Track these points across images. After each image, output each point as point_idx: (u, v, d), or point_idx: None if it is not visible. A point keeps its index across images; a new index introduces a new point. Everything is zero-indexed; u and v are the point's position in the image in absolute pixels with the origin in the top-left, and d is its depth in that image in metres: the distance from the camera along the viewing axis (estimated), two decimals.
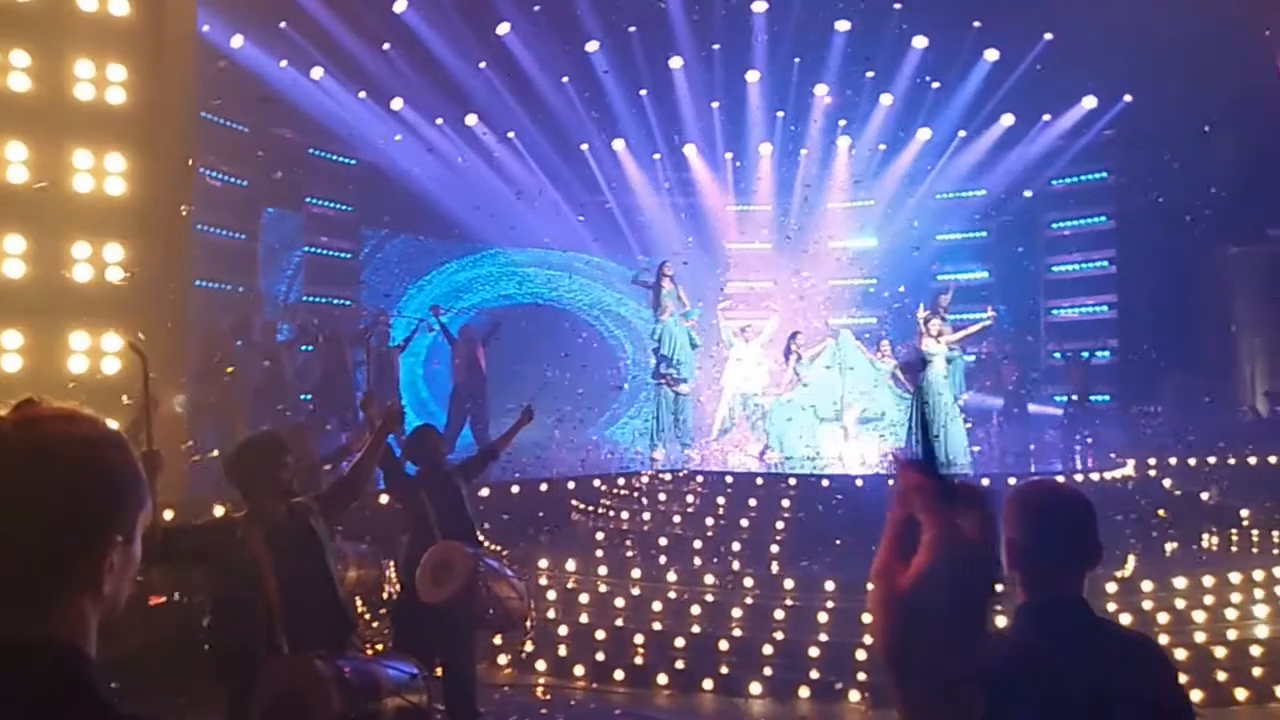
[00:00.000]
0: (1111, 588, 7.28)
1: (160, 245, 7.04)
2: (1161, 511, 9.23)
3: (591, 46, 13.95)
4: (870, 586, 0.99)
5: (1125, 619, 6.65)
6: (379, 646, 6.07)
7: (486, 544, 6.75)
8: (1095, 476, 9.42)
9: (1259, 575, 7.66)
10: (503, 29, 13.52)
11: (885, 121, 14.62)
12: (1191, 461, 10.81)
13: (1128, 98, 13.45)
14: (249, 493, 3.86)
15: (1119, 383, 13.94)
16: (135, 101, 6.81)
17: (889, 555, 0.98)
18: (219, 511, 6.11)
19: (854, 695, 6.56)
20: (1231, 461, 10.74)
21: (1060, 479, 9.02)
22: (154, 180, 6.90)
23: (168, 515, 5.42)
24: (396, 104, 13.78)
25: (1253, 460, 10.78)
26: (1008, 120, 14.21)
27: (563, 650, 7.25)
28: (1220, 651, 6.85)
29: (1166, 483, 10.16)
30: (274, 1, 12.12)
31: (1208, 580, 7.48)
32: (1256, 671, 6.77)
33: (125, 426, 5.88)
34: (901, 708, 0.99)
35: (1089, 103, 13.75)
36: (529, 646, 7.24)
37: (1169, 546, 8.74)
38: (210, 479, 7.68)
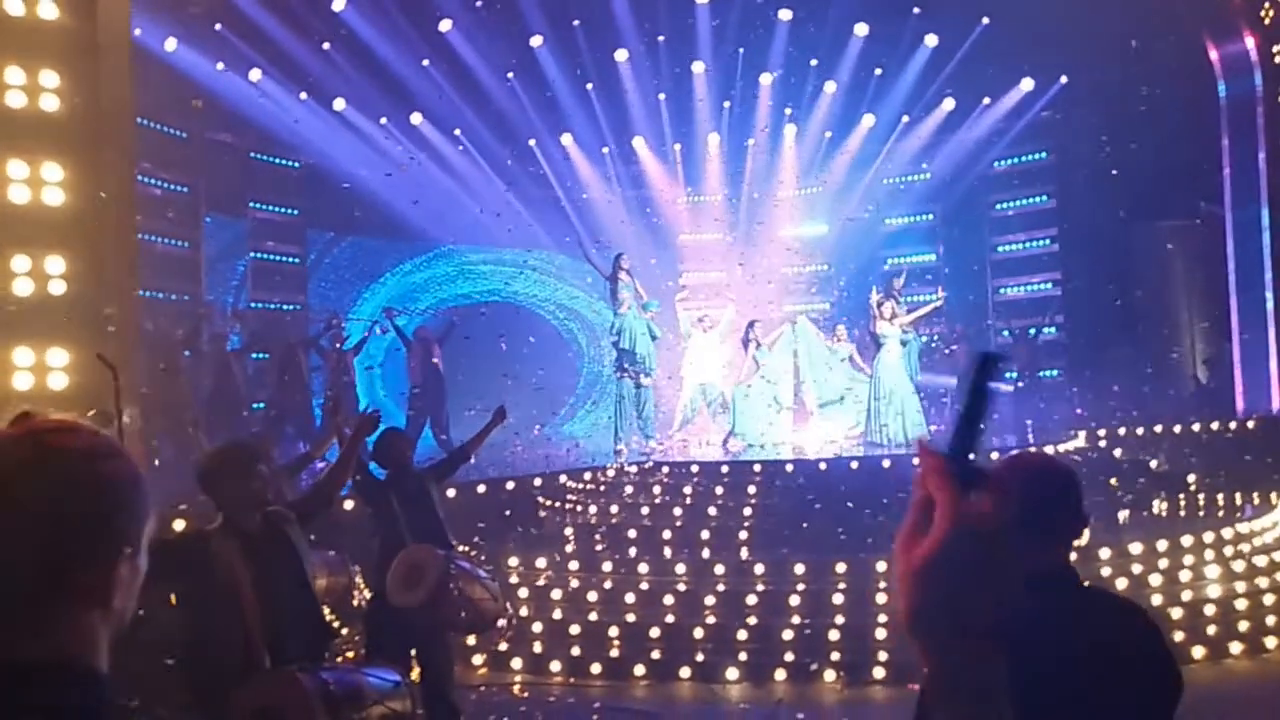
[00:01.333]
0: (1071, 556, 7.46)
1: (103, 256, 6.82)
2: (1113, 480, 9.51)
3: (536, 41, 13.85)
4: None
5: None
6: (349, 655, 6.00)
7: (456, 545, 6.70)
8: (1048, 449, 9.65)
9: (1209, 537, 7.94)
10: (445, 25, 13.35)
11: (830, 108, 14.77)
12: (1139, 431, 11.15)
13: (1064, 79, 13.77)
14: (222, 504, 3.76)
15: (1066, 357, 14.30)
16: (70, 108, 6.58)
17: (908, 533, 1.02)
18: (180, 525, 5.97)
19: (829, 675, 6.66)
20: (1177, 430, 11.11)
21: (1048, 450, 9.30)
22: (94, 189, 6.68)
23: None
24: (339, 104, 13.53)
25: (1196, 427, 11.15)
26: (949, 104, 14.45)
27: (538, 647, 7.22)
28: (1177, 612, 7.09)
29: (1117, 452, 10.47)
30: (209, 2, 11.81)
31: (1161, 544, 7.73)
32: (1211, 630, 7.02)
33: None
34: (925, 678, 1.03)
35: (1027, 85, 14.05)
36: (503, 645, 7.21)
37: (1122, 514, 9.01)
38: (164, 488, 7.50)
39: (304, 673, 3.56)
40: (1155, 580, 7.46)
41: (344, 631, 6.79)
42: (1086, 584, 2.23)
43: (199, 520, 4.43)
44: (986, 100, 14.38)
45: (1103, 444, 10.68)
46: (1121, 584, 7.35)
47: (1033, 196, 14.92)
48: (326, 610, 6.33)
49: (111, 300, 6.87)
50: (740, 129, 15.23)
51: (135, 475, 1.09)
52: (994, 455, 7.80)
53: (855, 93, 14.53)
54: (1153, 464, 10.23)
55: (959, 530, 0.96)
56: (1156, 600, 7.25)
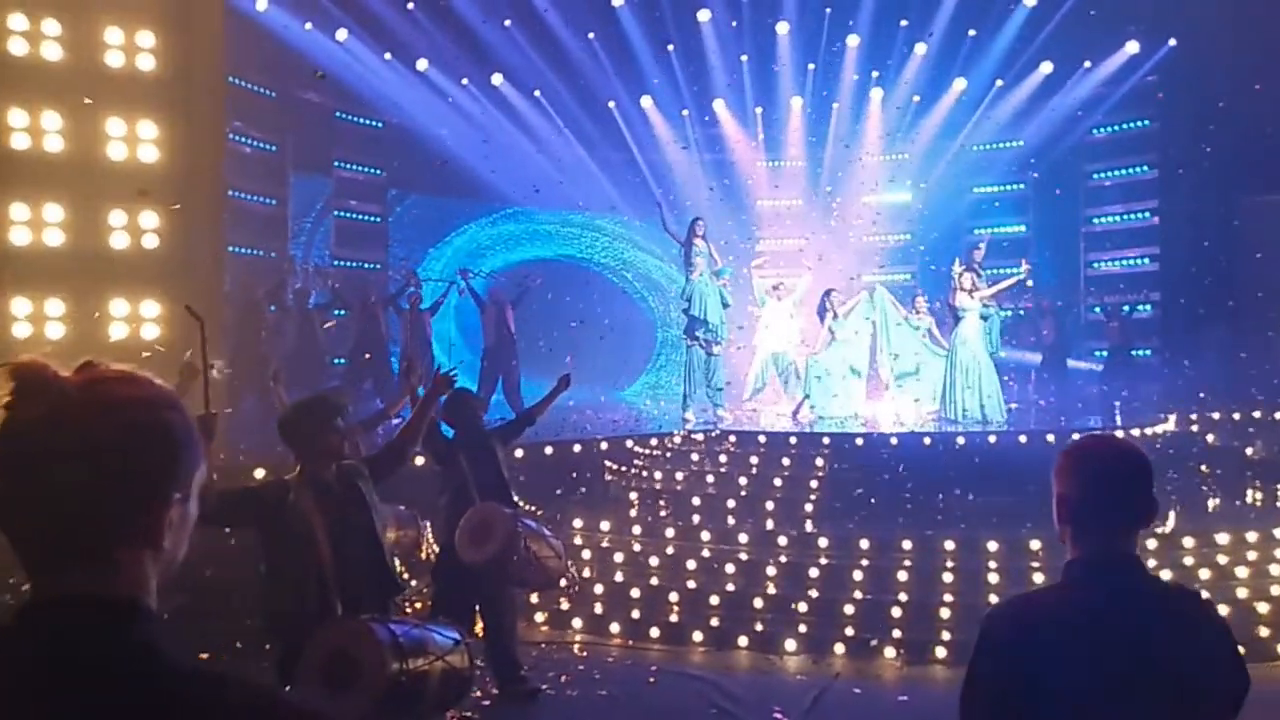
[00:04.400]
0: (1152, 544, 7.20)
1: (194, 211, 7.08)
2: (1204, 467, 9.10)
3: (618, 1, 13.70)
4: None
5: (1165, 575, 6.59)
6: (418, 606, 6.19)
7: (522, 505, 6.83)
8: (1135, 432, 9.29)
9: None
10: None
11: (919, 72, 14.26)
12: (1236, 416, 10.61)
13: (1172, 42, 12.99)
14: (301, 454, 3.89)
15: (1161, 336, 13.65)
16: (165, 67, 6.81)
17: None
18: (260, 474, 6.23)
19: (889, 651, 6.59)
20: (1278, 416, 10.53)
21: (1119, 434, 8.96)
22: (186, 146, 6.92)
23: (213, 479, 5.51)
24: (421, 65, 13.67)
25: None
26: (1046, 68, 13.79)
27: (598, 608, 7.33)
28: (1263, 607, 6.77)
29: (1209, 438, 10.00)
30: None
31: (1251, 536, 7.38)
32: None
33: (175, 387, 5.96)
34: None
35: (1131, 48, 13.30)
36: (565, 604, 7.33)
37: (1211, 502, 8.62)
38: (246, 440, 7.82)
39: (376, 622, 3.68)
40: (1242, 573, 7.14)
41: (412, 584, 7.02)
42: (1159, 575, 2.13)
43: (278, 471, 4.58)
44: (1087, 64, 13.69)
45: (1195, 428, 10.21)
46: (1205, 575, 7.06)
47: (1132, 167, 14.19)
48: (396, 563, 6.58)
49: (201, 255, 7.14)
50: (824, 92, 14.85)
51: (188, 425, 1.14)
52: (1074, 436, 7.53)
53: (946, 55, 13.99)
54: (1248, 451, 9.73)
55: None
56: (1242, 593, 6.94)
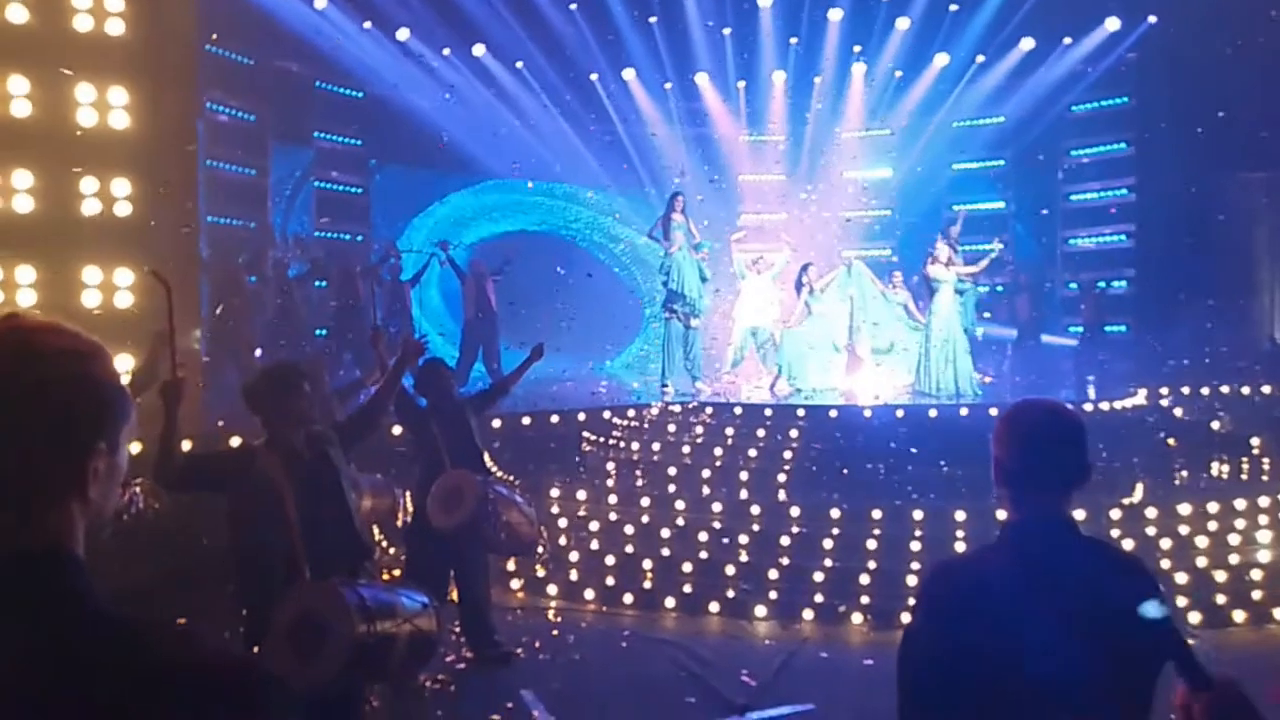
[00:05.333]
0: (1116, 514, 7.35)
1: (168, 178, 7.04)
2: (1171, 440, 9.25)
3: None
4: None
5: (1128, 544, 6.74)
6: (396, 573, 6.26)
7: (499, 473, 6.89)
8: (1105, 406, 9.43)
9: (1265, 502, 7.71)
10: None
11: (901, 47, 14.25)
12: (1204, 391, 10.78)
13: (1152, 19, 13.03)
14: (268, 421, 3.91)
15: (1135, 313, 13.80)
16: (136, 32, 6.74)
17: None
18: (235, 442, 6.25)
19: (857, 618, 6.72)
20: (1245, 391, 10.70)
21: (1104, 406, 9.02)
22: (157, 113, 6.87)
23: (185, 446, 5.53)
24: (403, 34, 13.55)
25: (1266, 389, 10.73)
26: (1027, 44, 13.81)
27: (574, 575, 7.43)
28: (1220, 575, 6.95)
29: (1178, 412, 10.16)
30: None
31: (1212, 507, 7.54)
32: (1256, 595, 6.87)
33: (146, 356, 5.99)
34: None
35: (1112, 24, 13.32)
36: (540, 571, 7.43)
37: (1179, 475, 8.78)
38: (224, 410, 7.83)
39: (343, 586, 3.73)
40: (1201, 542, 7.30)
41: (391, 551, 7.09)
42: (1091, 537, 2.18)
43: (254, 440, 4.61)
44: (1067, 40, 13.71)
45: (1164, 402, 10.36)
46: (1166, 544, 7.22)
47: (1110, 143, 14.25)
48: (375, 530, 6.64)
49: (175, 223, 7.11)
50: (806, 67, 14.82)
51: (113, 375, 1.14)
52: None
53: (928, 31, 13.97)
54: (1214, 425, 9.90)
55: None
56: (1201, 562, 7.11)
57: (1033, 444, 2.05)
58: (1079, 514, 2.13)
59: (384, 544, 7.13)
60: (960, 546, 7.03)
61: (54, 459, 1.08)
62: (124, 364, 6.09)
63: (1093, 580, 2.00)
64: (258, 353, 10.07)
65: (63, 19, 6.55)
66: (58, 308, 6.44)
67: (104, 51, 6.66)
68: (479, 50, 14.18)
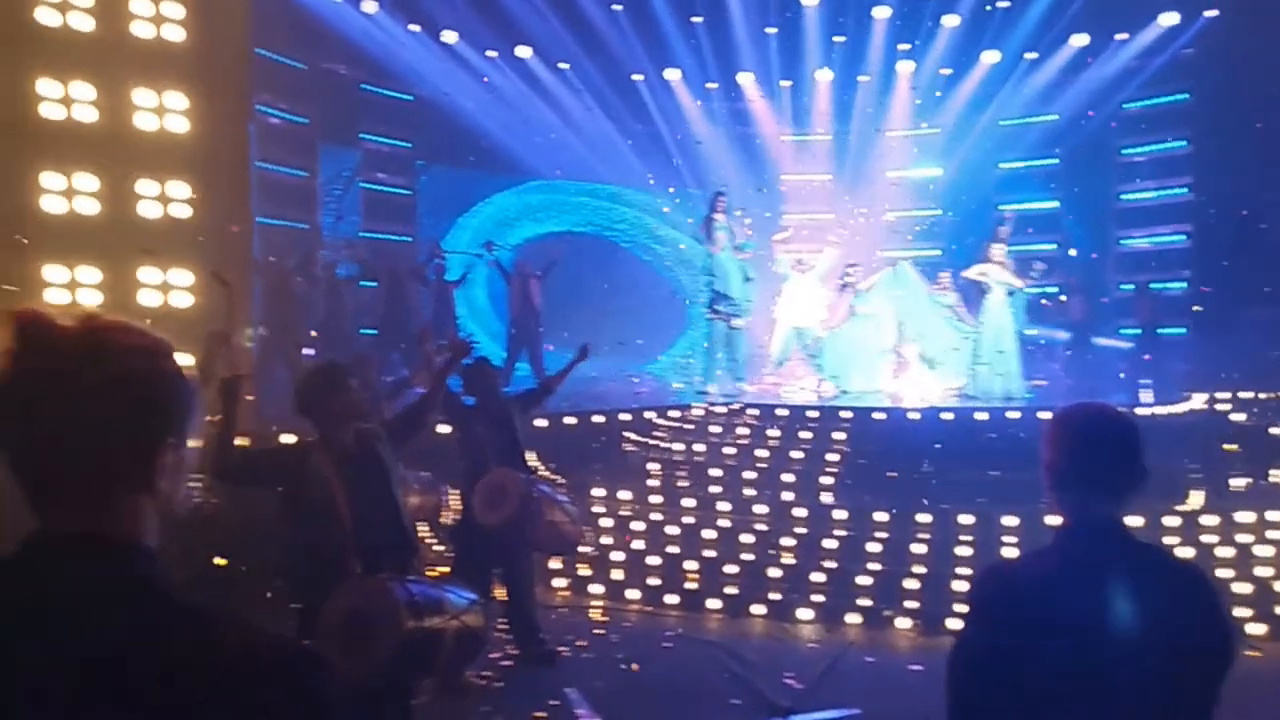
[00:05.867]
0: (1174, 521, 7.18)
1: (222, 181, 7.21)
2: (1228, 446, 9.00)
3: None
4: None
5: (1187, 552, 6.57)
6: (443, 570, 6.33)
7: (542, 472, 6.94)
8: (1161, 410, 9.20)
9: None
10: None
11: (949, 44, 14.05)
12: (1264, 395, 10.46)
13: (1211, 12, 12.68)
14: (318, 420, 3.97)
15: (1192, 315, 13.44)
16: (192, 39, 6.91)
17: None
18: (287, 439, 6.37)
19: (903, 622, 6.64)
20: None
21: (1161, 410, 8.82)
22: (213, 117, 7.04)
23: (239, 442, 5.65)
24: (449, 37, 13.70)
25: None
26: (1080, 40, 13.53)
27: (618, 574, 7.44)
28: None
29: (1236, 417, 9.87)
30: None
31: (1273, 515, 7.32)
32: None
33: (203, 354, 6.15)
34: None
35: (1168, 19, 13.00)
36: (585, 570, 7.46)
37: (1236, 481, 8.53)
38: (274, 408, 7.99)
39: (393, 581, 3.78)
40: (1263, 552, 7.09)
41: (437, 548, 7.18)
42: (1146, 542, 2.12)
43: (305, 438, 4.69)
44: (1122, 36, 13.40)
45: (1222, 407, 10.08)
46: (1226, 553, 7.02)
47: (1167, 141, 13.89)
48: (423, 527, 6.72)
49: (229, 224, 7.27)
50: (851, 66, 14.68)
51: (181, 374, 1.18)
52: None
53: (977, 28, 13.77)
54: (1274, 430, 9.60)
55: None
56: (1263, 572, 6.90)
57: (1086, 447, 2.00)
58: (1133, 520, 2.07)
59: (430, 541, 7.22)
60: (1010, 552, 6.91)
61: (127, 452, 1.12)
62: (182, 362, 6.22)
63: (1149, 587, 1.95)
64: (307, 352, 10.26)
65: (124, 27, 6.73)
66: (118, 307, 6.64)
67: (162, 58, 6.84)
68: (524, 52, 14.29)
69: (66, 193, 6.65)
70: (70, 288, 6.69)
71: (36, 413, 1.09)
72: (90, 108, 6.59)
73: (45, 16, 6.51)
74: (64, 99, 6.55)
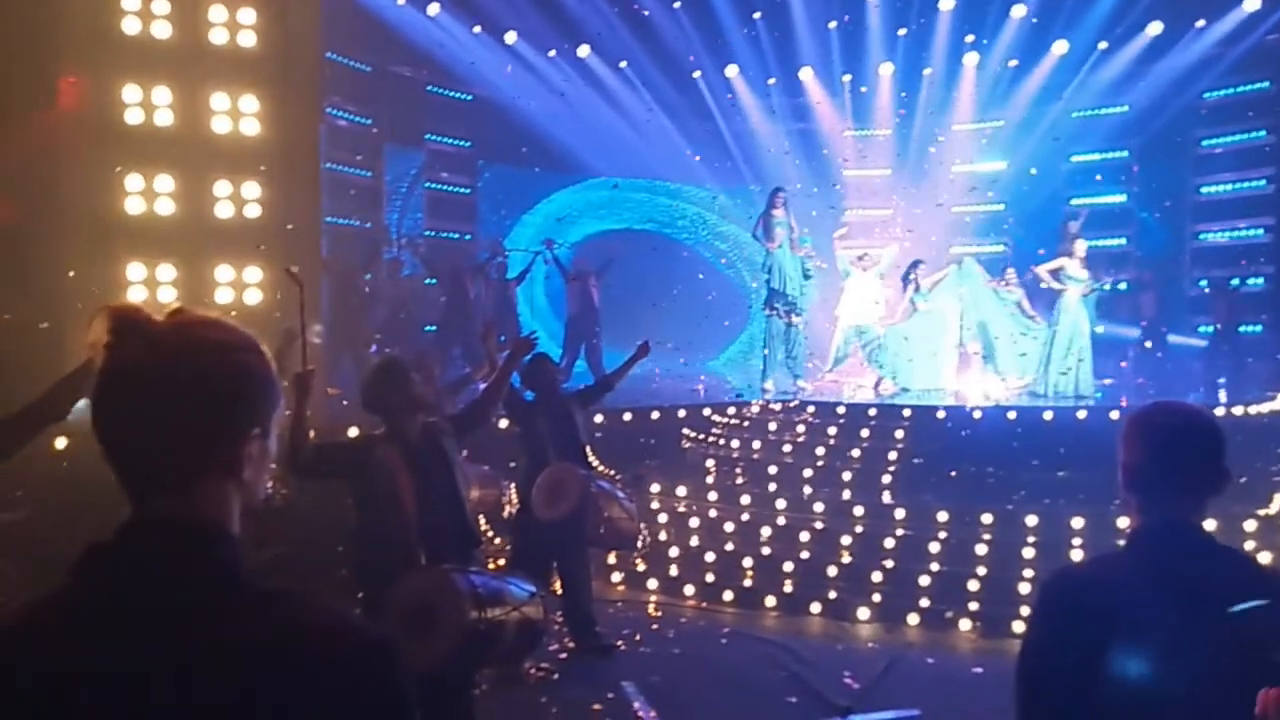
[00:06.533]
0: (1252, 525, 6.92)
1: (293, 182, 7.42)
2: None
3: None
4: None
5: (1265, 557, 6.33)
6: (500, 562, 6.44)
7: (600, 468, 6.99)
8: (1239, 410, 8.87)
9: None
10: None
11: (1017, 35, 13.72)
12: None
13: None
14: (385, 414, 4.08)
15: (1273, 311, 12.90)
16: (265, 44, 7.13)
17: None
18: (354, 432, 6.54)
19: (965, 624, 6.53)
20: None
21: (1237, 410, 8.53)
22: (285, 120, 7.25)
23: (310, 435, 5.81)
24: (510, 38, 13.87)
25: None
26: (1155, 28, 13.08)
27: (674, 570, 7.47)
28: None
29: None
30: None
31: None
32: None
33: (275, 350, 6.32)
34: None
35: (1251, 4, 12.49)
36: (641, 566, 7.50)
37: None
38: (341, 408, 8.20)
39: (456, 572, 3.86)
40: None
41: (496, 541, 7.29)
42: (1226, 546, 2.05)
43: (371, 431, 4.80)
44: (1201, 23, 12.91)
45: None
46: None
47: (1248, 132, 13.34)
48: (482, 520, 6.84)
49: (299, 224, 7.49)
50: (915, 59, 14.43)
51: (266, 366, 1.23)
52: None
53: (1046, 18, 13.40)
54: None
55: None
56: None
57: (1168, 448, 1.94)
58: (1210, 524, 2.01)
59: (490, 534, 7.33)
60: (1077, 554, 6.74)
61: (214, 442, 1.17)
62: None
63: (1229, 592, 1.89)
64: (373, 348, 10.51)
65: (201, 33, 6.98)
66: (194, 303, 6.87)
67: (237, 63, 7.08)
68: (584, 51, 14.39)
69: (145, 193, 6.93)
70: (149, 285, 6.97)
71: (132, 403, 1.14)
72: (168, 111, 6.85)
73: (129, 25, 6.78)
74: (144, 103, 6.82)
